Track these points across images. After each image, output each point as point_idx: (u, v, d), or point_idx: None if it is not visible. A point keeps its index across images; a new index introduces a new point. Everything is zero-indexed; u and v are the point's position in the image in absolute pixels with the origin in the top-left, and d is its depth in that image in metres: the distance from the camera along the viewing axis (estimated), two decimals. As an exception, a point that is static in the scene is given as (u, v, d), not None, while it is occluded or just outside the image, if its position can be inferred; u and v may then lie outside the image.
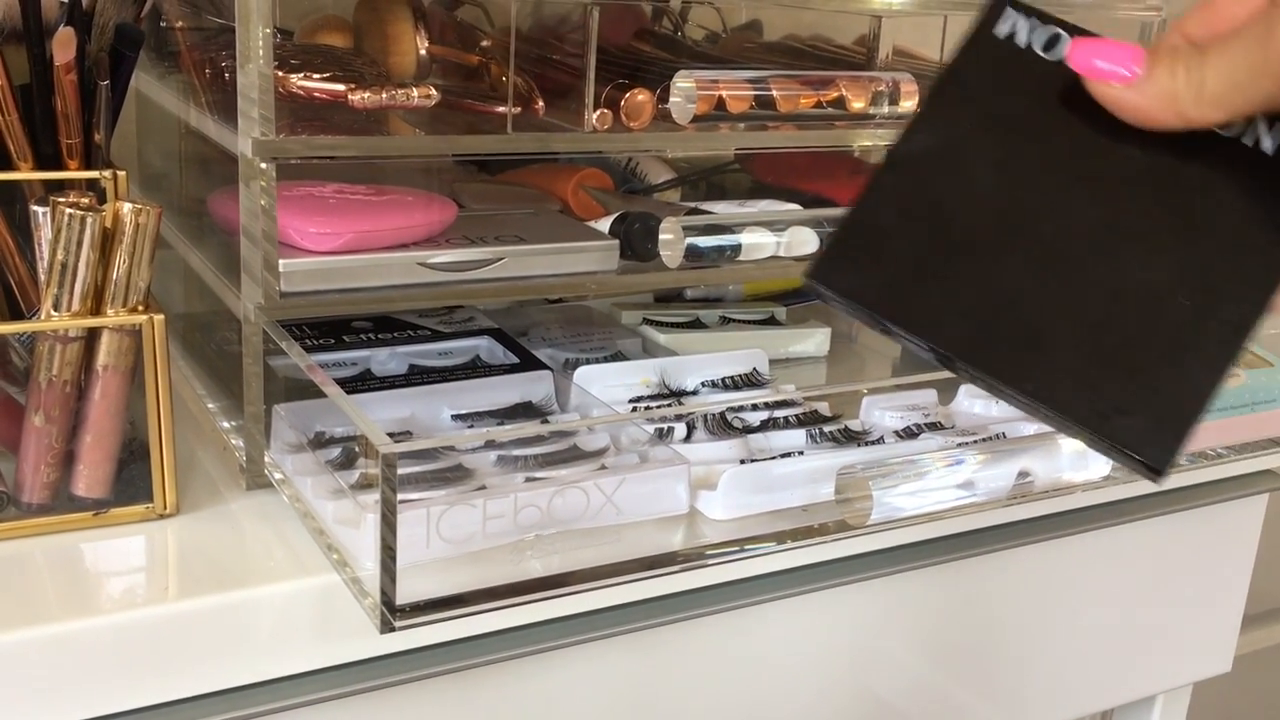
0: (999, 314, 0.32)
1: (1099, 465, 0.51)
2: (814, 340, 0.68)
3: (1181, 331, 0.32)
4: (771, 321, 0.70)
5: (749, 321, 0.70)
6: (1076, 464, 0.51)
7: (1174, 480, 0.68)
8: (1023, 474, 0.50)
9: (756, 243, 0.58)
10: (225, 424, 0.56)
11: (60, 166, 0.52)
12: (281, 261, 0.50)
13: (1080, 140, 0.34)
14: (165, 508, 0.49)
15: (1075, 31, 0.34)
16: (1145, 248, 0.33)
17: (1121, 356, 0.32)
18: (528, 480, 0.47)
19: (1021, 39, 0.34)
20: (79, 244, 0.45)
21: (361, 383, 0.55)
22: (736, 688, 0.58)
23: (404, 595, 0.41)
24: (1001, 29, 0.35)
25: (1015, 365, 0.32)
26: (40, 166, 0.52)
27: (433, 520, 0.42)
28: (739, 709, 0.58)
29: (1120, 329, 0.32)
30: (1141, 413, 0.31)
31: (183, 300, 0.69)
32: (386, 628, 0.41)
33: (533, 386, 0.56)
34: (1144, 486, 0.67)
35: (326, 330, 0.59)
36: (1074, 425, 0.31)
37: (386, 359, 0.58)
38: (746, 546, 0.48)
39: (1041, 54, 0.34)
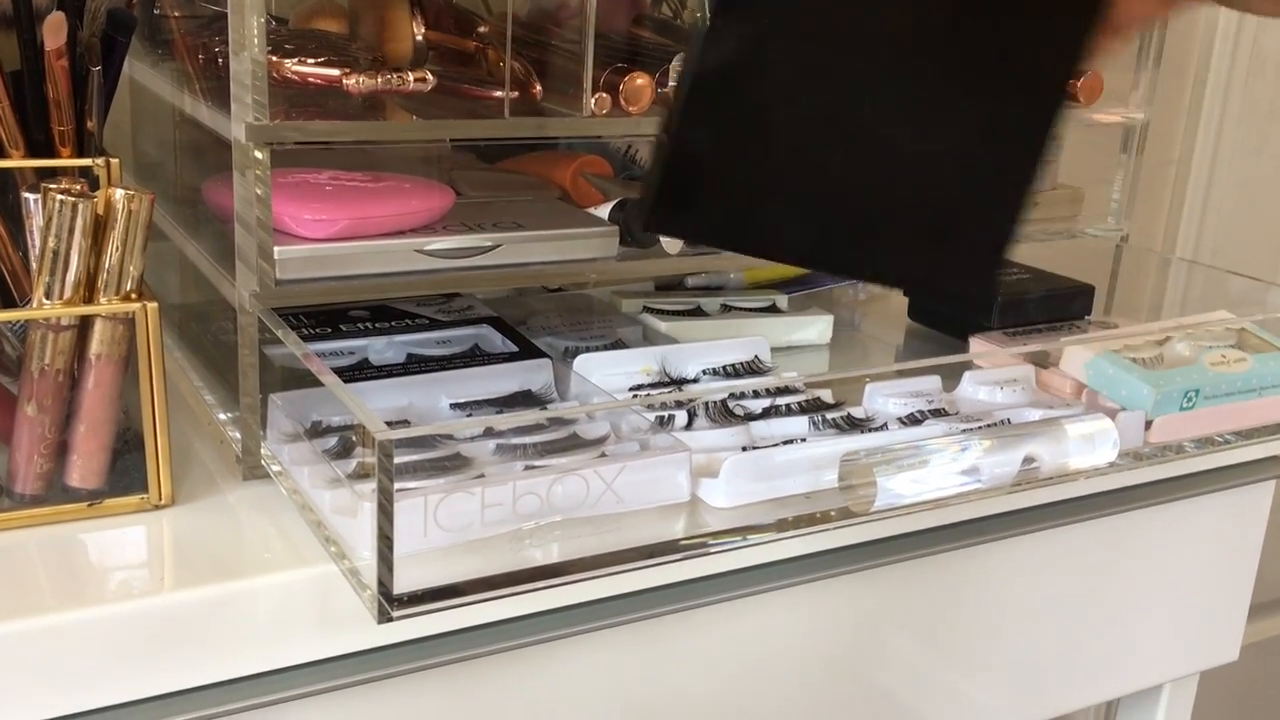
0: (830, 213, 0.33)
1: (1105, 450, 0.51)
2: (816, 328, 0.67)
3: (983, 188, 0.34)
4: (773, 309, 0.70)
5: (750, 309, 0.69)
6: (1083, 449, 0.50)
7: (1180, 466, 0.68)
8: (1028, 460, 0.50)
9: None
10: (222, 415, 0.56)
11: (52, 154, 0.52)
12: (277, 249, 0.49)
13: (871, 13, 0.33)
14: (161, 498, 0.49)
15: None
16: (947, 113, 0.34)
17: (937, 225, 0.34)
18: (527, 468, 0.47)
19: None
20: (70, 231, 0.45)
21: (359, 372, 0.54)
22: (739, 677, 0.57)
23: (402, 585, 0.40)
24: None
25: (853, 256, 0.34)
26: (32, 154, 0.51)
27: (430, 509, 0.41)
28: (741, 698, 0.58)
29: (934, 200, 0.34)
30: (958, 274, 0.35)
31: (179, 291, 0.68)
32: (384, 618, 0.40)
33: (532, 375, 0.56)
34: (1150, 473, 0.66)
35: (323, 319, 0.58)
36: (910, 292, 0.35)
37: (384, 348, 0.57)
38: (749, 535, 0.47)
39: None
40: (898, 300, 0.73)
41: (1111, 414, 0.54)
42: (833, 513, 0.48)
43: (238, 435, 0.52)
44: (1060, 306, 0.68)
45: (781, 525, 0.47)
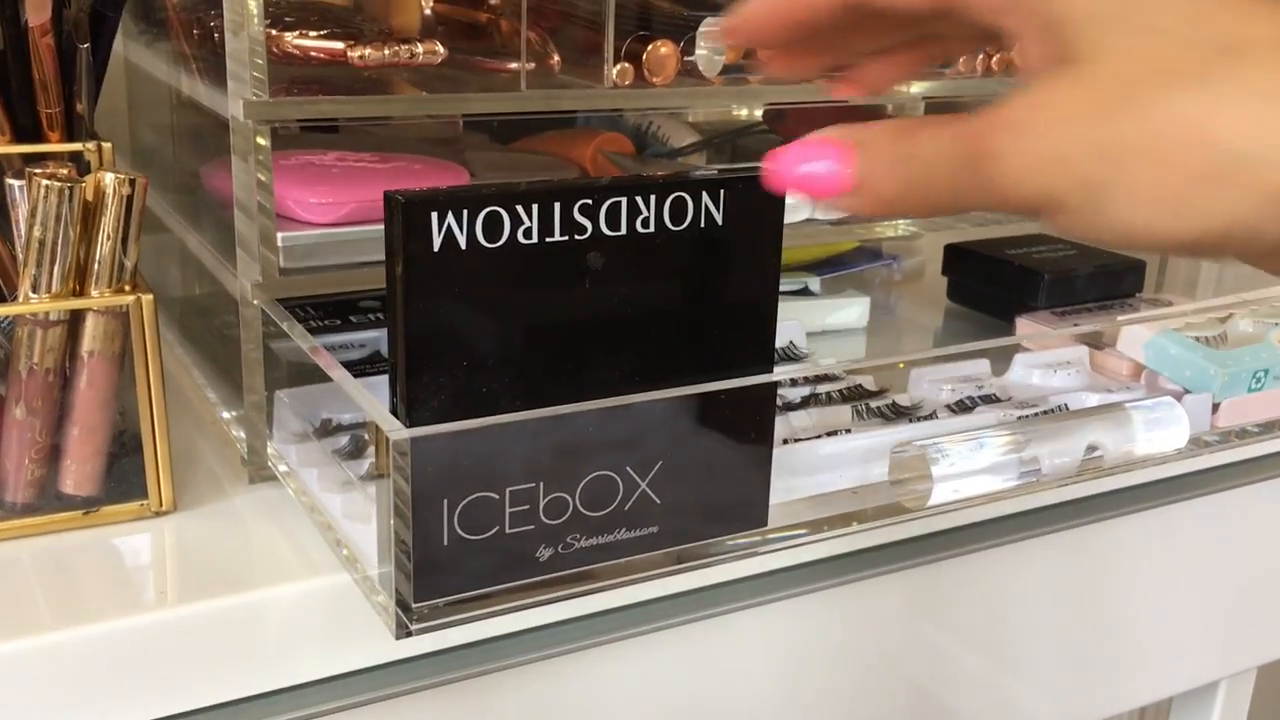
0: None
1: (1174, 436, 0.47)
2: (853, 311, 0.64)
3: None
4: (805, 292, 0.66)
5: (782, 293, 0.65)
6: (1150, 436, 0.47)
7: (1237, 453, 0.64)
8: (1091, 448, 0.46)
9: (789, 202, 0.53)
10: (226, 414, 0.53)
11: (40, 139, 0.49)
12: (280, 235, 0.46)
13: (570, 286, 0.37)
14: (161, 504, 0.45)
15: (516, 200, 0.35)
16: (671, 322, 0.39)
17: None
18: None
19: (462, 241, 0.35)
20: (57, 218, 0.41)
21: (371, 365, 0.51)
22: (781, 682, 0.54)
23: (421, 596, 0.37)
24: (437, 241, 0.35)
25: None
26: (18, 139, 0.48)
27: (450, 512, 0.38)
28: (778, 705, 0.54)
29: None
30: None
31: (180, 285, 0.65)
32: (403, 632, 0.37)
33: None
34: (1208, 460, 0.63)
35: (332, 310, 0.55)
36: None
37: (397, 340, 0.54)
38: (795, 533, 0.44)
39: (488, 244, 0.35)
40: (935, 281, 0.70)
41: (1175, 397, 0.50)
42: (884, 509, 0.45)
43: (243, 435, 0.49)
44: (1110, 284, 0.64)
45: (830, 523, 0.44)
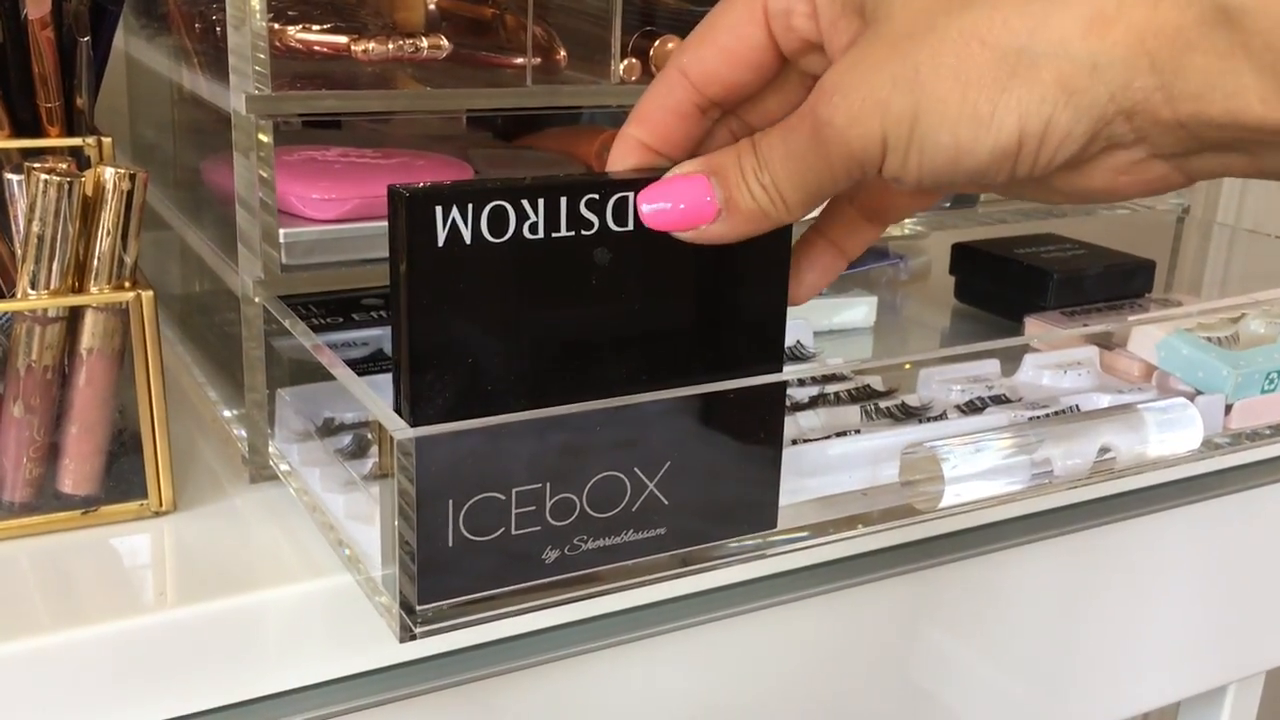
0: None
1: (1188, 438, 0.47)
2: (860, 310, 0.63)
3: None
4: (812, 292, 0.65)
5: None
6: (1163, 438, 0.46)
7: (1248, 455, 0.64)
8: (1103, 450, 0.46)
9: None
10: (227, 413, 0.52)
11: (39, 133, 0.48)
12: (282, 231, 0.45)
13: (576, 283, 0.36)
14: (161, 504, 0.45)
15: (522, 194, 0.34)
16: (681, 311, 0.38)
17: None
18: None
19: (466, 236, 0.34)
20: (56, 214, 0.41)
21: (373, 363, 0.50)
22: (790, 685, 0.53)
23: (426, 598, 0.36)
24: (441, 236, 0.34)
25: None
26: (17, 134, 0.48)
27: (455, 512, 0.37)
28: (792, 708, 0.54)
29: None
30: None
31: (181, 282, 0.64)
32: (406, 634, 0.36)
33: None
34: (1218, 462, 0.62)
35: (334, 308, 0.54)
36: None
37: (400, 338, 0.53)
38: (801, 535, 0.43)
39: (493, 239, 0.34)
40: (943, 280, 0.69)
41: (1187, 398, 0.50)
42: (895, 510, 0.44)
43: (243, 434, 0.48)
44: (1120, 283, 0.64)
45: (838, 525, 0.43)
